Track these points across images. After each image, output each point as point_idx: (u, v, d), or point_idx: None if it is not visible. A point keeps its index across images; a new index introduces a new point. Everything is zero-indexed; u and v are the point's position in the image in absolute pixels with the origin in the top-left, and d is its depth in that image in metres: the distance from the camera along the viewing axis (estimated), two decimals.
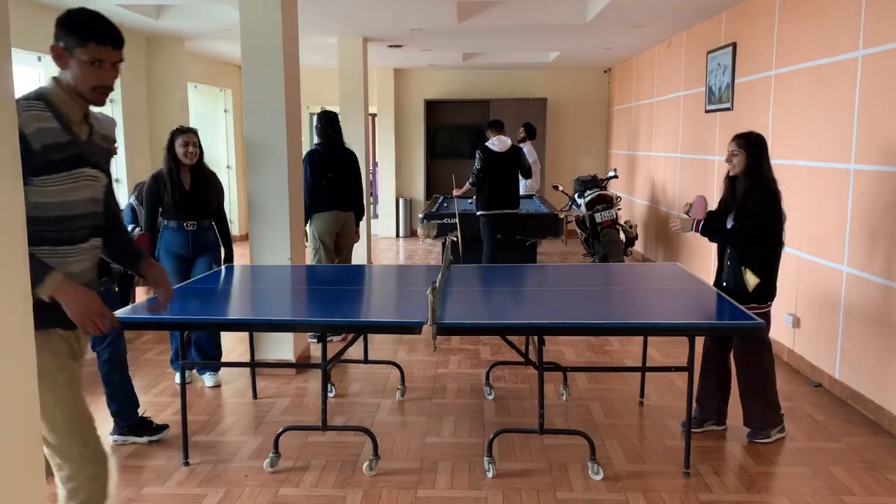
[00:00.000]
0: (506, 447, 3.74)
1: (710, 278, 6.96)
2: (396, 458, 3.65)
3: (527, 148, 9.04)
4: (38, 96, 2.16)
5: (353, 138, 8.64)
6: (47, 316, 2.07)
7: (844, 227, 4.43)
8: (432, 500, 3.22)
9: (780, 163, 5.23)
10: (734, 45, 6.19)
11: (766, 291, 3.69)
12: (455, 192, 8.04)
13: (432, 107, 12.13)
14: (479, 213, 7.11)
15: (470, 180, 7.29)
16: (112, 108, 7.75)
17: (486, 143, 7.12)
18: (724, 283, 3.80)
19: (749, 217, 3.64)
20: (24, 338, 1.62)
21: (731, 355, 3.85)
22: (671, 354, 5.32)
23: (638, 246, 9.41)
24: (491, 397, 4.49)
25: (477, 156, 7.05)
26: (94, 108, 2.30)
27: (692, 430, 3.83)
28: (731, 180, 3.80)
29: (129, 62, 7.92)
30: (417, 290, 3.77)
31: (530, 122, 9.88)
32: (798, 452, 3.69)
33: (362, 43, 8.48)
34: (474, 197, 7.51)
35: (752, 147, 3.67)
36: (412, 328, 3.11)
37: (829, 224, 4.61)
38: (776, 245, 3.69)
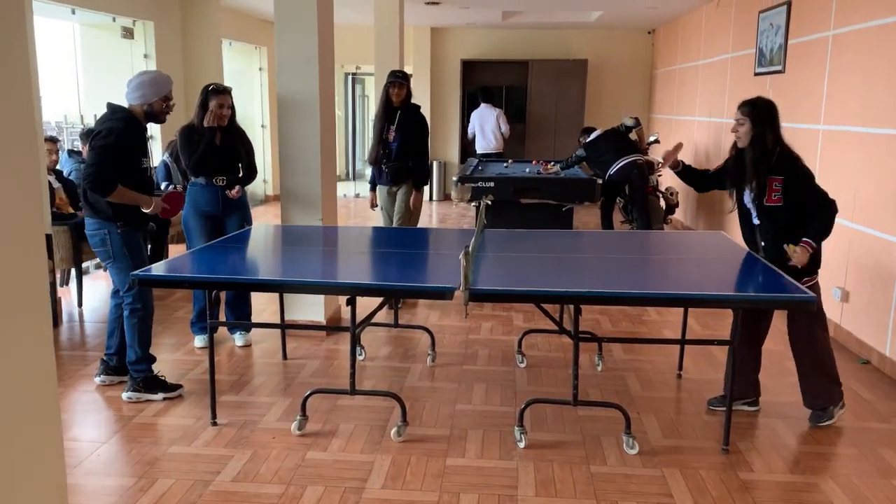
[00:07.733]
0: (538, 417, 3.64)
1: None
2: (426, 424, 3.57)
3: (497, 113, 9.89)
4: None
5: None
6: None
7: None
8: (462, 469, 3.14)
9: (834, 128, 4.96)
10: (789, 3, 5.87)
11: (816, 260, 3.44)
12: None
13: (469, 67, 11.86)
14: None
15: None
16: (147, 65, 7.70)
17: None
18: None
19: (816, 192, 3.41)
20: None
21: (790, 333, 3.57)
22: (710, 326, 5.15)
23: (678, 214, 9.15)
24: (523, 365, 4.38)
25: None
26: None
27: (717, 408, 3.71)
28: (738, 151, 3.54)
29: (163, 18, 7.85)
30: (449, 254, 3.66)
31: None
32: (844, 432, 3.53)
33: None
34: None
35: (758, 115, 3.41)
36: (443, 294, 3.01)
37: (884, 193, 4.36)
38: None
